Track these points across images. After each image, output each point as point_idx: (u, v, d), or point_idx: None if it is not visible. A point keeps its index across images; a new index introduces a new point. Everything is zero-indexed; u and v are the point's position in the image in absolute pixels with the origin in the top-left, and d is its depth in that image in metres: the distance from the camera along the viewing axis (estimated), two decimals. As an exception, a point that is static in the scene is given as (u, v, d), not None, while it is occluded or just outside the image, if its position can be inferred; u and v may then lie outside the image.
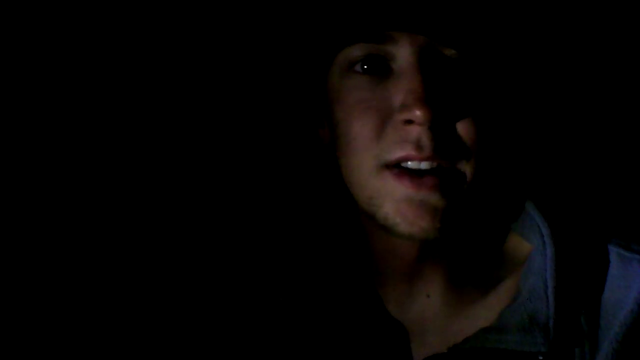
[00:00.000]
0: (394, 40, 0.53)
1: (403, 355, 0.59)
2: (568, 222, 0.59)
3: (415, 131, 0.52)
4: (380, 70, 0.54)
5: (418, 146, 0.52)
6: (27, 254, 0.70)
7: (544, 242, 0.56)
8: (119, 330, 0.69)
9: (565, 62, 0.74)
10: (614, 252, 0.56)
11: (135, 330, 0.69)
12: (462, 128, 0.53)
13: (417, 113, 0.51)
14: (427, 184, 0.52)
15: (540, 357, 0.52)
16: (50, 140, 0.71)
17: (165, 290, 0.70)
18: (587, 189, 0.74)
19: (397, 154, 0.53)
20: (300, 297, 0.64)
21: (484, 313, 0.57)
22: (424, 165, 0.52)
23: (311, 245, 0.68)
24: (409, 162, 0.53)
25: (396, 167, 0.53)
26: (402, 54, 0.53)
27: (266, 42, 0.73)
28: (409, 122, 0.52)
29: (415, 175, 0.52)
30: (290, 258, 0.67)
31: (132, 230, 0.72)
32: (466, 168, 0.54)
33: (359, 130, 0.54)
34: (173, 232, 0.73)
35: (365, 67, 0.55)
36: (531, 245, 0.58)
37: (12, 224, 0.70)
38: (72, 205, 0.71)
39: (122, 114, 0.73)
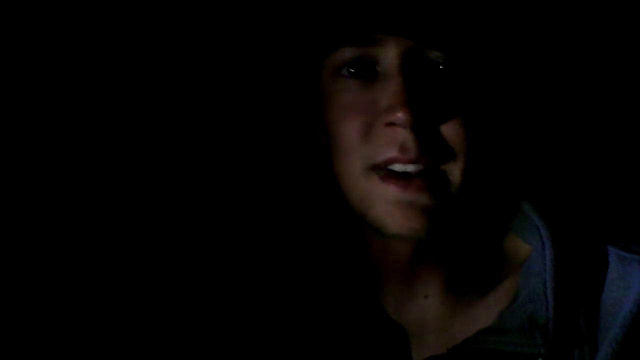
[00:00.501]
0: (379, 43, 0.53)
1: (402, 357, 0.59)
2: (567, 223, 0.59)
3: (400, 133, 0.52)
4: (367, 73, 0.55)
5: (403, 148, 0.52)
6: (27, 254, 0.70)
7: (543, 244, 0.56)
8: (119, 330, 0.69)
9: (561, 62, 0.74)
10: (613, 253, 0.56)
11: (136, 331, 0.69)
12: (449, 130, 0.53)
13: (400, 115, 0.51)
14: (414, 186, 0.52)
15: (540, 359, 0.52)
16: (50, 140, 0.71)
17: (165, 292, 0.70)
18: (586, 190, 0.74)
19: (383, 156, 0.53)
20: (299, 299, 0.64)
21: (483, 314, 0.57)
22: (410, 168, 0.53)
23: (309, 247, 0.68)
24: (396, 165, 0.53)
25: (383, 170, 0.54)
26: (387, 56, 0.53)
27: (258, 45, 0.73)
28: (393, 124, 0.52)
29: (402, 177, 0.53)
30: (289, 261, 0.67)
31: (131, 232, 0.72)
32: (454, 169, 0.54)
33: (347, 132, 0.55)
34: (173, 238, 0.73)
35: (352, 70, 0.55)
36: (530, 246, 0.58)
37: (12, 224, 0.70)
38: (72, 206, 0.71)
39: (118, 115, 0.73)
